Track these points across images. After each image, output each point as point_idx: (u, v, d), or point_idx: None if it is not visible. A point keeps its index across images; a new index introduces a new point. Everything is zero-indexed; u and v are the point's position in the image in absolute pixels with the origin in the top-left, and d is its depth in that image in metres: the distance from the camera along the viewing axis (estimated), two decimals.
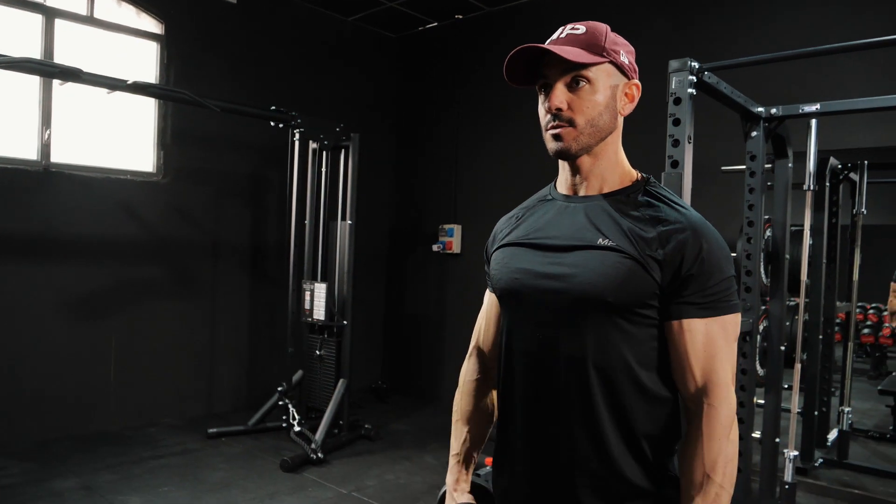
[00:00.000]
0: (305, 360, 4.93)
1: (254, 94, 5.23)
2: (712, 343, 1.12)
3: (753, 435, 3.49)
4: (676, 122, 2.74)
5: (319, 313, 4.77)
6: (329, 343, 4.77)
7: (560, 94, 1.16)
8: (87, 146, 4.69)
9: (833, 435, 4.61)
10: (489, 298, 1.43)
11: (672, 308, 1.12)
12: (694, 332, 1.12)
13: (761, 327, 3.71)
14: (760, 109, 3.34)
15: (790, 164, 3.57)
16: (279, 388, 4.72)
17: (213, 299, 5.29)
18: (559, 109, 1.16)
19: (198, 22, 5.13)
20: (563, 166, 1.25)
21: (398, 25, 6.06)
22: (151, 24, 4.97)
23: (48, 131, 4.48)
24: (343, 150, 4.82)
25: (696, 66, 2.74)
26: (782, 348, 3.54)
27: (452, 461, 1.42)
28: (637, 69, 1.23)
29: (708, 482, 1.10)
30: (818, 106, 3.22)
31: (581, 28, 1.18)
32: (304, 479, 3.99)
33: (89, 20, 4.64)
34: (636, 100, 1.22)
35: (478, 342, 1.46)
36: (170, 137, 5.04)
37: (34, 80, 4.35)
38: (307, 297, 4.85)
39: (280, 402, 4.71)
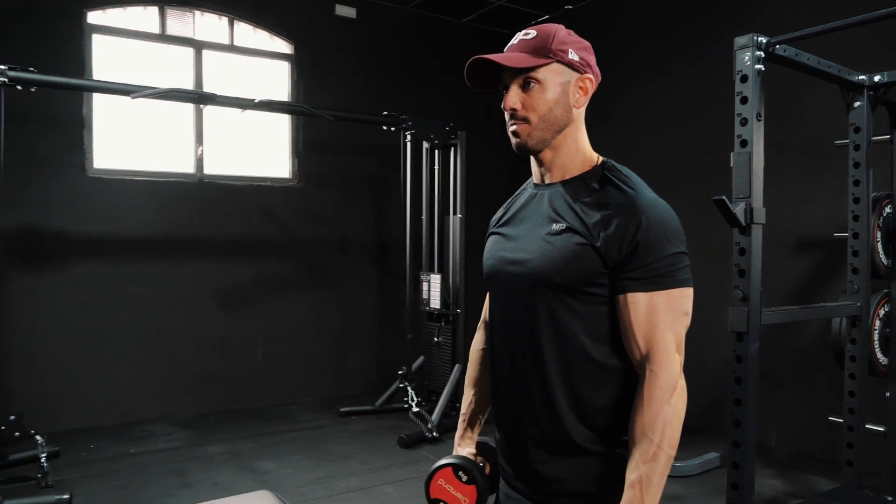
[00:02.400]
0: (425, 346, 5.31)
1: (374, 100, 5.67)
2: (654, 314, 1.19)
3: (877, 428, 3.30)
4: (744, 101, 2.71)
5: (435, 302, 5.14)
6: (445, 330, 5.10)
7: (513, 95, 1.27)
8: (234, 158, 5.41)
9: None
10: None
11: (618, 283, 1.21)
12: (637, 304, 1.19)
13: (882, 312, 3.47)
14: (862, 77, 3.15)
15: None
16: (399, 372, 5.13)
17: (343, 290, 5.84)
18: (513, 109, 1.28)
19: (321, 39, 5.69)
20: (532, 159, 1.36)
21: (510, 22, 6.25)
22: (283, 46, 5.60)
23: (201, 147, 5.24)
24: (452, 148, 5.13)
25: (764, 42, 2.69)
26: None
27: (459, 420, 1.56)
28: (591, 63, 1.30)
29: (645, 440, 1.17)
30: None
31: (532, 33, 1.28)
32: (416, 455, 4.34)
33: (231, 48, 5.34)
34: (590, 92, 1.30)
35: (484, 316, 1.62)
36: (302, 146, 5.65)
37: (188, 105, 5.11)
38: (424, 287, 5.22)
39: (400, 385, 5.13)
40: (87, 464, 4.12)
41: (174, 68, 5.10)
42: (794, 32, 2.70)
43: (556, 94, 1.27)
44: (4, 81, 3.68)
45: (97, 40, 4.81)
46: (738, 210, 2.68)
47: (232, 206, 5.33)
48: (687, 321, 1.23)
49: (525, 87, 1.27)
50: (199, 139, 5.23)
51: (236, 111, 4.81)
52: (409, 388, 5.07)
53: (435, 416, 4.73)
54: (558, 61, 1.26)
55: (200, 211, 5.20)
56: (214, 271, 5.26)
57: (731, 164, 2.76)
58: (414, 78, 6.10)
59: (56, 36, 4.61)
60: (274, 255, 5.52)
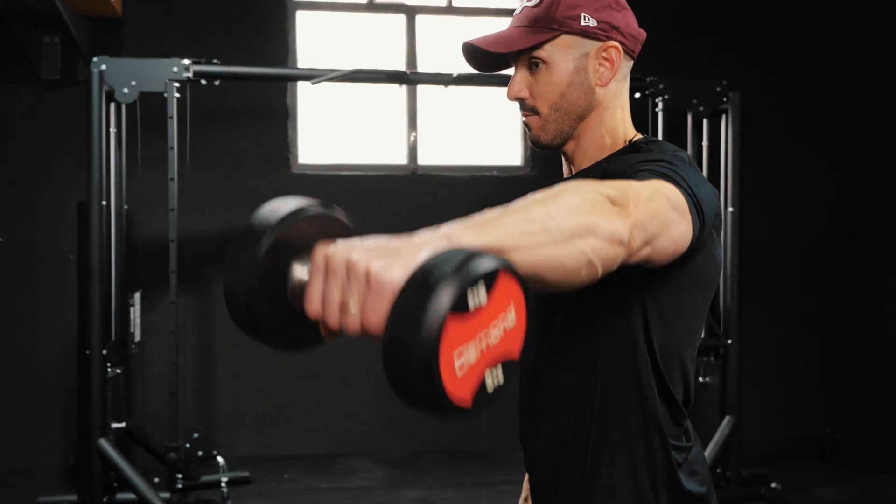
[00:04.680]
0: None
1: None
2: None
3: None
4: None
5: None
6: (712, 367, 4.06)
7: (518, 80, 1.16)
8: (453, 144, 5.04)
9: None
10: None
11: None
12: None
13: None
14: None
15: None
16: None
17: None
18: (519, 98, 1.16)
19: None
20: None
21: None
22: (511, 1, 5.07)
23: (414, 134, 4.95)
24: (723, 116, 4.10)
25: None
26: None
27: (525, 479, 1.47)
28: (619, 23, 1.11)
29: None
30: None
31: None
32: None
33: (448, 9, 5.00)
34: (618, 62, 1.12)
35: None
36: None
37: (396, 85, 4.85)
38: None
39: None
40: (275, 494, 4.09)
41: (384, 41, 4.92)
42: None
43: (568, 74, 1.12)
44: (188, 77, 3.70)
45: (301, 17, 4.83)
46: None
47: (451, 202, 4.89)
48: (660, 205, 0.85)
49: (532, 68, 1.14)
50: (413, 124, 4.95)
51: (452, 88, 4.40)
52: None
53: None
54: (567, 32, 1.10)
55: (414, 208, 4.85)
56: None
57: None
58: (666, 27, 4.99)
59: (259, 17, 4.69)
60: None
